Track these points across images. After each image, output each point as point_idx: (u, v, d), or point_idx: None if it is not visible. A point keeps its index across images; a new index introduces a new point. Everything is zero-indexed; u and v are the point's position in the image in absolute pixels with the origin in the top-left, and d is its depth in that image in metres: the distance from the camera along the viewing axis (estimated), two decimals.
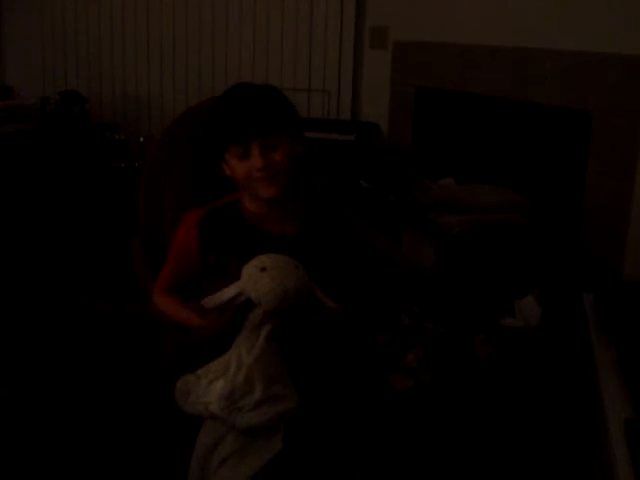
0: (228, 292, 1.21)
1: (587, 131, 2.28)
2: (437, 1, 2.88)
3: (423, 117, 3.07)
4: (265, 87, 1.35)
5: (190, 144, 1.63)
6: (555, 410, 1.72)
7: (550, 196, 2.47)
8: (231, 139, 1.29)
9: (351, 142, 3.09)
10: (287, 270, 1.20)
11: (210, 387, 1.20)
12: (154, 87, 3.74)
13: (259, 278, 1.19)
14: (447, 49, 2.86)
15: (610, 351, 1.58)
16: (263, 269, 1.19)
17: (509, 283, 2.05)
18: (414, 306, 2.02)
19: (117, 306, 2.56)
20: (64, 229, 3.15)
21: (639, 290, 1.79)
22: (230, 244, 1.33)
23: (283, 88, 1.42)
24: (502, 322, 1.96)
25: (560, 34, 2.35)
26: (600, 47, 2.21)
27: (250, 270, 1.21)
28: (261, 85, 1.35)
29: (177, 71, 3.68)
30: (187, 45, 3.63)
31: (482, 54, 2.68)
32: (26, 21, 3.85)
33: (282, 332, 1.22)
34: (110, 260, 2.80)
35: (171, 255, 1.39)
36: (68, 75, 3.84)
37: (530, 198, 2.46)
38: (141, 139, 3.51)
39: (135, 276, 1.61)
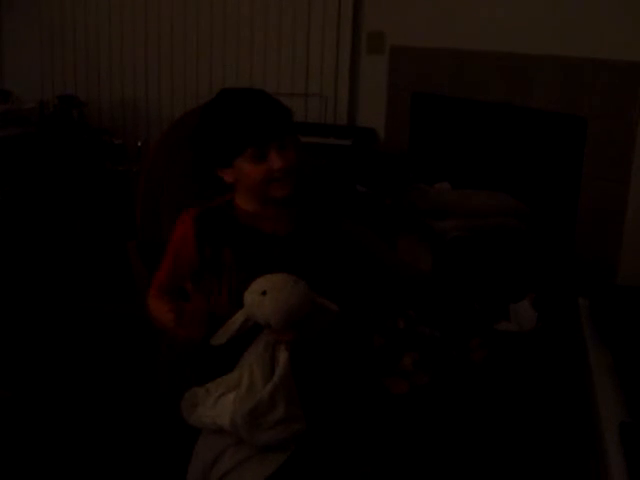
0: (236, 321, 1.23)
1: (582, 136, 2.28)
2: (434, 7, 2.90)
3: (419, 122, 3.08)
4: (258, 91, 1.38)
5: (187, 148, 1.63)
6: (550, 414, 1.72)
7: (546, 201, 2.48)
8: (250, 142, 1.31)
9: (348, 147, 3.10)
10: (287, 288, 1.22)
11: (219, 401, 1.21)
12: (152, 91, 3.75)
13: (261, 302, 1.21)
14: (443, 54, 2.87)
15: (605, 355, 1.58)
16: (263, 293, 1.21)
17: (504, 287, 2.06)
18: (410, 310, 2.02)
19: (115, 308, 2.57)
20: (62, 232, 3.15)
21: (634, 294, 1.79)
22: (224, 240, 1.35)
23: (280, 93, 1.44)
24: (497, 326, 1.97)
25: (555, 40, 2.36)
26: (595, 53, 2.22)
27: (251, 296, 1.23)
28: (251, 89, 1.39)
29: (175, 76, 3.69)
30: (185, 50, 3.64)
31: (478, 60, 2.69)
32: (25, 25, 3.85)
33: (295, 347, 1.24)
34: (108, 263, 2.81)
35: (169, 251, 1.40)
36: (66, 79, 3.85)
37: (526, 203, 2.47)
38: (139, 143, 3.52)
39: (132, 278, 1.62)
